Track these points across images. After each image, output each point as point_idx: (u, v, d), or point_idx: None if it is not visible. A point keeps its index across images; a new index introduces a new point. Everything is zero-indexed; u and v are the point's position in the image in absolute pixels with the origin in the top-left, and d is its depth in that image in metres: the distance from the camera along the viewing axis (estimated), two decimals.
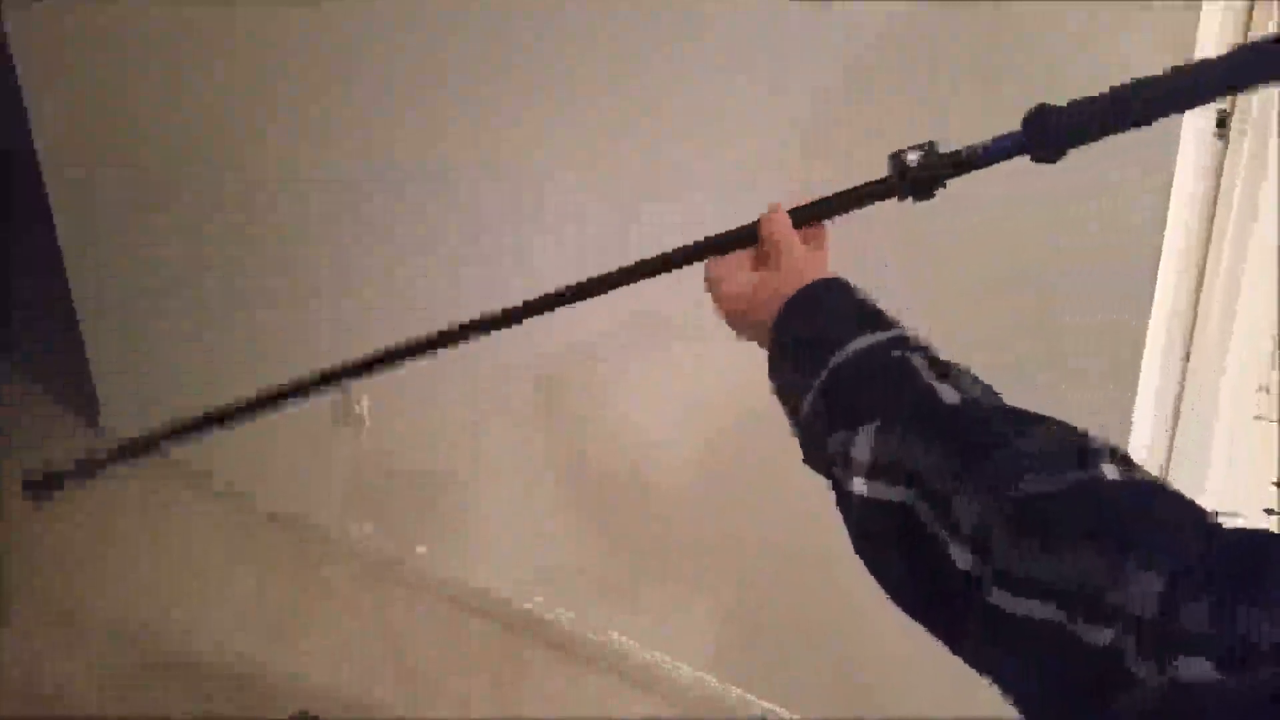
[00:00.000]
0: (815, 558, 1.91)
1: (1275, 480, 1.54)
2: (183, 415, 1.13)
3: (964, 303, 1.60)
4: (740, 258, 0.88)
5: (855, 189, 0.84)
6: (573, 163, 1.88)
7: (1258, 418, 1.59)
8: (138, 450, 1.21)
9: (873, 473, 0.63)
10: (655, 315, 1.91)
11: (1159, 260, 1.42)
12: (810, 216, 0.88)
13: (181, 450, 3.16)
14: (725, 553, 2.03)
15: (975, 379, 0.69)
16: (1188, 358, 1.55)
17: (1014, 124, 0.76)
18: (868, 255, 1.66)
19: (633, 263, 0.93)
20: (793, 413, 0.75)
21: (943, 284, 1.61)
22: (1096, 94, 0.71)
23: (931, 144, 0.80)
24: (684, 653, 2.14)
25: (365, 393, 2.47)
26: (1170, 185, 1.38)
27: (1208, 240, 1.49)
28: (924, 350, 0.71)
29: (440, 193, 2.13)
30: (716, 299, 0.88)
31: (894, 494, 0.62)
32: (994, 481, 0.57)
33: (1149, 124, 0.70)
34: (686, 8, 1.69)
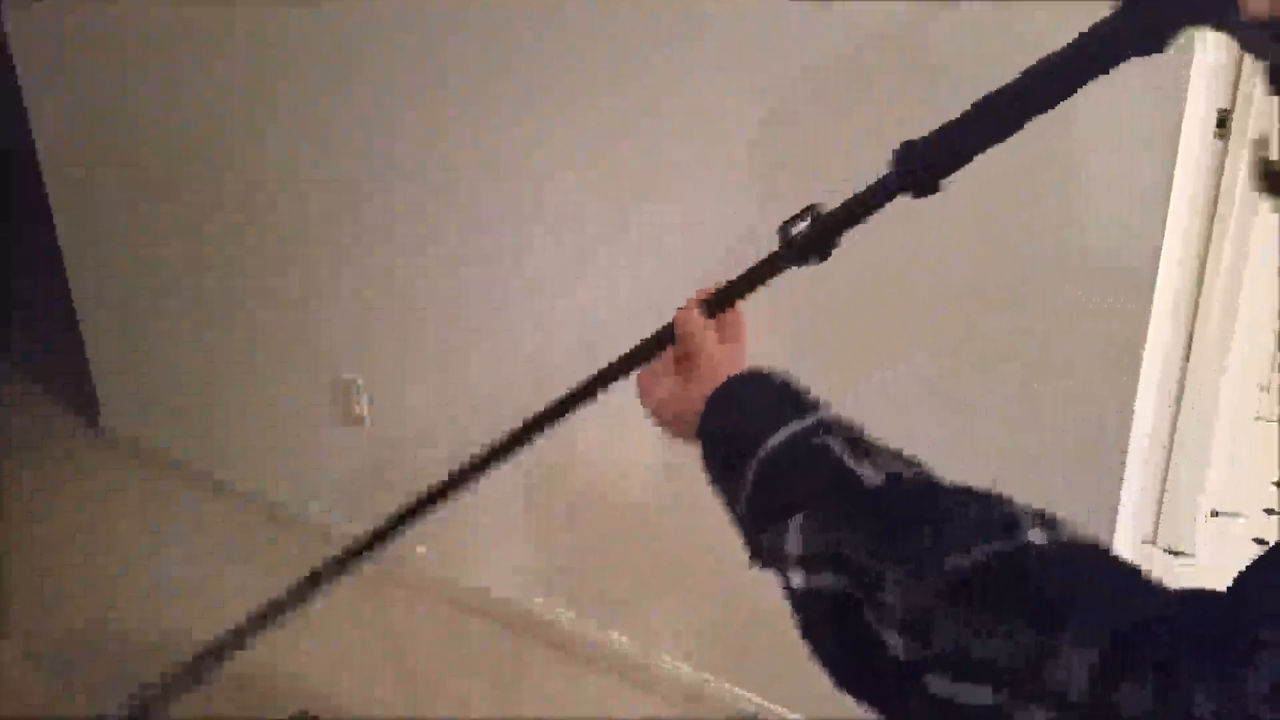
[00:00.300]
0: None
1: (1275, 480, 1.54)
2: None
3: (965, 304, 1.60)
4: (664, 363, 0.87)
5: (755, 268, 0.83)
6: (572, 162, 1.88)
7: (1258, 417, 1.59)
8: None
9: (804, 564, 0.63)
10: (655, 314, 1.91)
11: (1159, 260, 1.42)
12: (722, 303, 0.86)
13: (181, 450, 3.18)
14: (725, 552, 2.02)
15: (898, 455, 0.69)
16: (1188, 358, 1.55)
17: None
18: (869, 258, 1.66)
19: (566, 394, 0.95)
20: (732, 512, 0.75)
21: (944, 285, 1.61)
22: (958, 115, 0.70)
23: (814, 208, 0.79)
24: (684, 653, 2.14)
25: (365, 392, 2.47)
26: (1170, 185, 1.38)
27: (1208, 240, 1.49)
28: (845, 432, 0.70)
29: (440, 193, 2.13)
30: (646, 409, 0.87)
31: (827, 582, 0.61)
32: (919, 560, 0.56)
33: (1019, 129, 0.68)
34: (686, 8, 1.69)
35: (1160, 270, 1.43)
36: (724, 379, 0.78)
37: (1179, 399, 1.57)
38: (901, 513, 0.61)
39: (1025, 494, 1.75)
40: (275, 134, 2.37)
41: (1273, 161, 0.82)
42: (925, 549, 0.56)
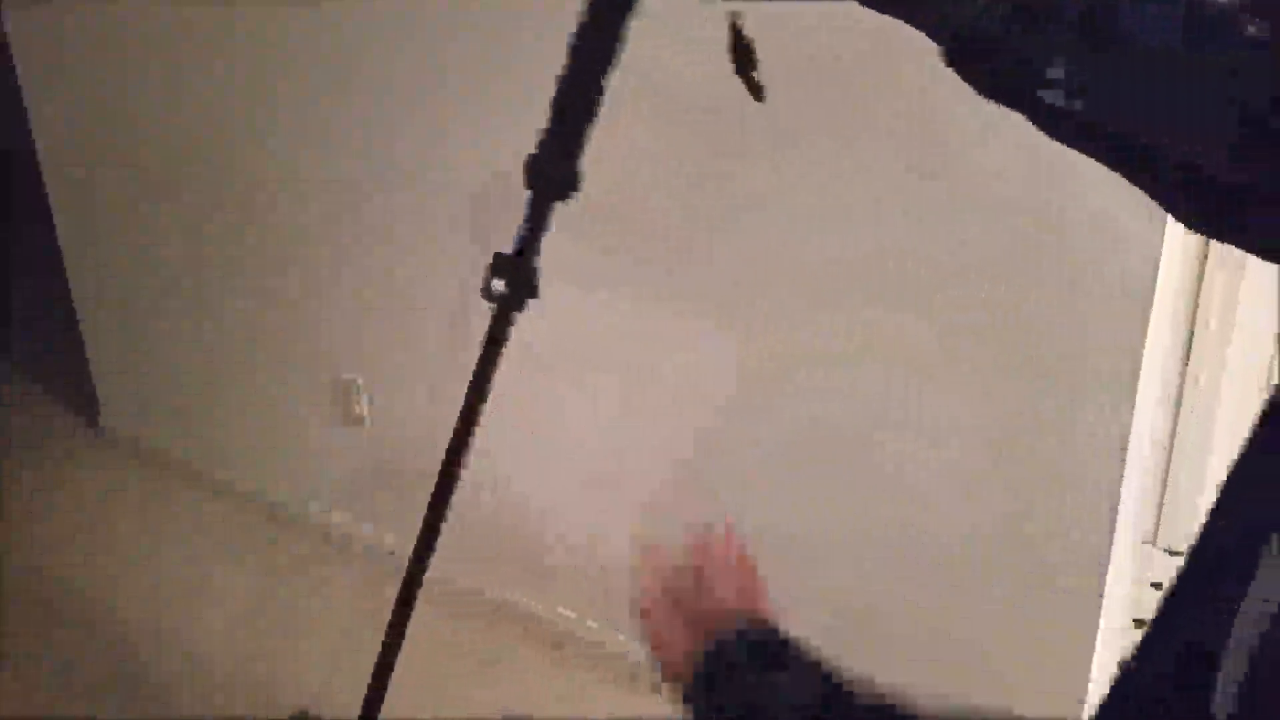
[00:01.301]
0: (814, 556, 1.91)
1: None
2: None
3: (967, 304, 1.60)
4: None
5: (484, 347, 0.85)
6: None
7: None
8: None
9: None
10: (654, 313, 1.91)
11: (1159, 261, 1.42)
12: None
13: (182, 450, 3.18)
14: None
15: None
16: (1188, 358, 1.56)
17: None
18: (873, 258, 1.66)
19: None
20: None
21: (947, 285, 1.61)
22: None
23: (498, 257, 0.82)
24: None
25: (365, 392, 2.47)
26: None
27: (1207, 240, 1.49)
28: None
29: (440, 193, 2.13)
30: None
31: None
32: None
33: (598, 101, 0.74)
34: (688, 8, 1.69)
35: (1160, 271, 1.43)
36: None
37: (1179, 399, 1.57)
38: None
39: (1026, 493, 1.76)
40: (275, 134, 2.37)
41: (742, 33, 0.79)
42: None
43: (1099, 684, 1.64)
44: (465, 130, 2.03)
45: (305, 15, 2.18)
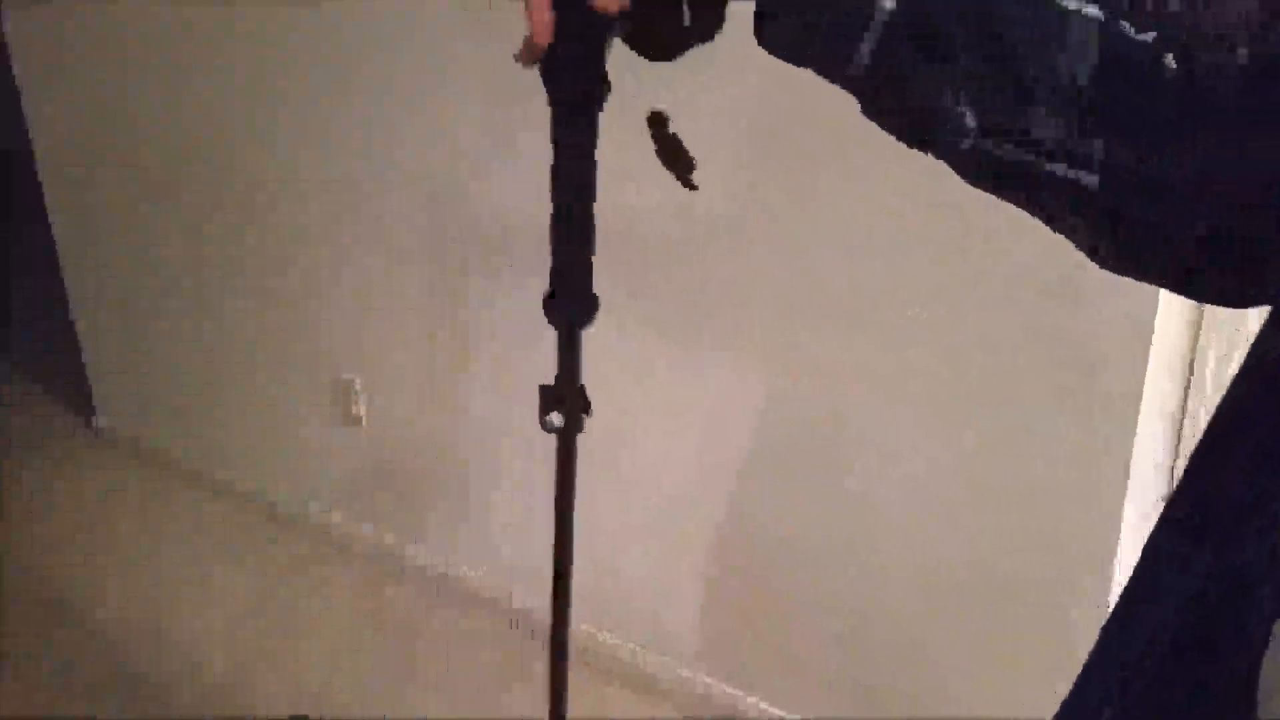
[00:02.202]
0: (815, 557, 1.91)
1: None
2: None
3: (968, 304, 1.60)
4: None
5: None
6: None
7: None
8: None
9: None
10: (655, 316, 1.91)
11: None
12: None
13: (181, 450, 3.18)
14: (725, 551, 2.03)
15: None
16: (1193, 357, 1.56)
17: None
18: (877, 258, 1.66)
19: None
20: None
21: (948, 285, 1.61)
22: None
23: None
24: (683, 653, 2.14)
25: (364, 392, 2.47)
26: None
27: None
28: None
29: (440, 192, 2.13)
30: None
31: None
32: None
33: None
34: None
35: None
36: None
37: (1184, 400, 1.57)
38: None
39: (1029, 493, 1.76)
40: (275, 134, 2.37)
41: (666, 129, 0.75)
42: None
43: None
44: (465, 130, 2.03)
45: (305, 15, 2.18)
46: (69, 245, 3.00)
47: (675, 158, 0.74)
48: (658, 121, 0.74)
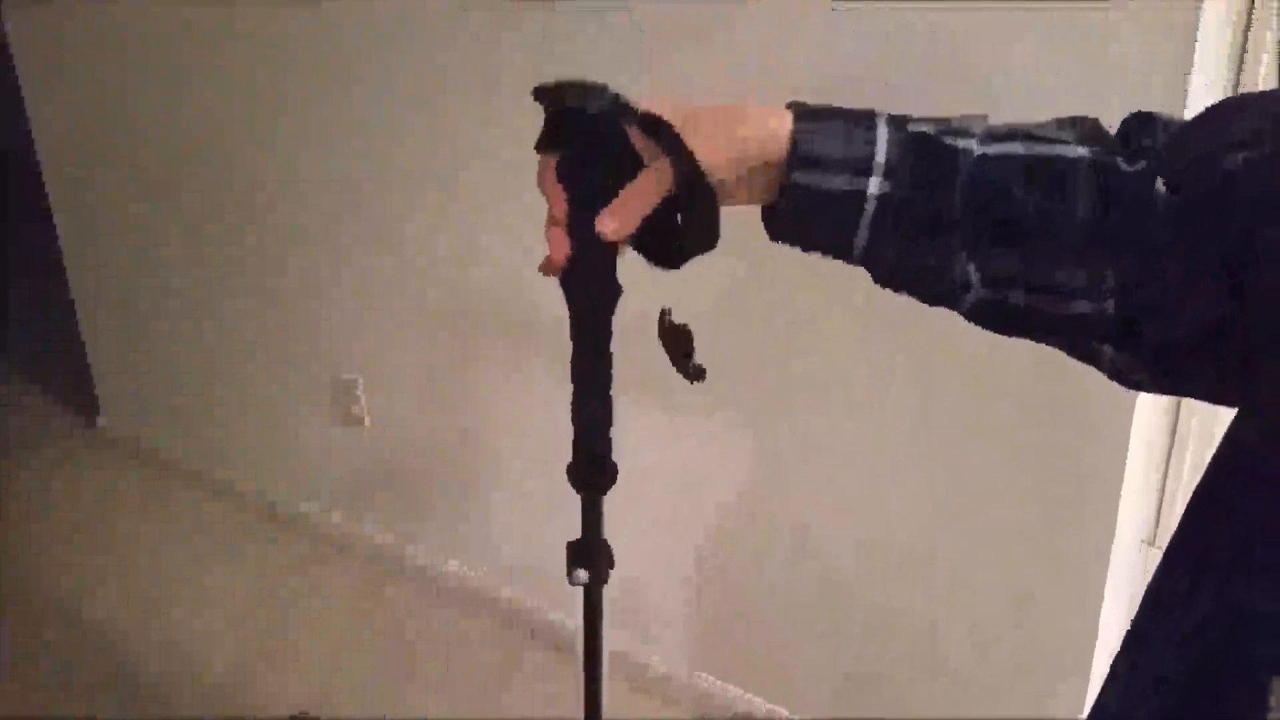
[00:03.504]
0: (815, 558, 1.91)
1: None
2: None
3: (957, 330, 1.60)
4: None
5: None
6: None
7: None
8: None
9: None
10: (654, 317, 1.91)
11: None
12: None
13: (182, 450, 3.18)
14: (724, 552, 2.03)
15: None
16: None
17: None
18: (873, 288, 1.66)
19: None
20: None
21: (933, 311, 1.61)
22: None
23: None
24: (684, 653, 2.14)
25: (364, 393, 2.47)
26: None
27: None
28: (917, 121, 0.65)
29: (441, 192, 2.13)
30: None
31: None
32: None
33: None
34: (709, 8, 1.69)
35: None
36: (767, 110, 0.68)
37: (1179, 400, 1.57)
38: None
39: (1027, 493, 1.76)
40: (275, 134, 2.37)
41: (673, 323, 0.77)
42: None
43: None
44: (466, 130, 2.03)
45: (305, 15, 2.18)
46: (72, 245, 3.00)
47: (681, 348, 0.78)
48: (664, 318, 0.78)
